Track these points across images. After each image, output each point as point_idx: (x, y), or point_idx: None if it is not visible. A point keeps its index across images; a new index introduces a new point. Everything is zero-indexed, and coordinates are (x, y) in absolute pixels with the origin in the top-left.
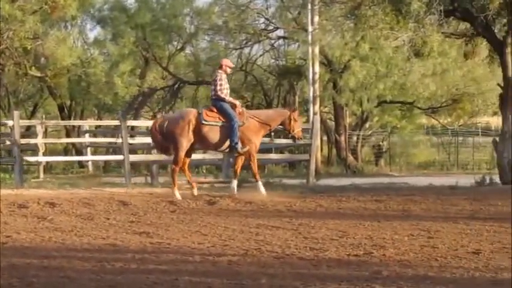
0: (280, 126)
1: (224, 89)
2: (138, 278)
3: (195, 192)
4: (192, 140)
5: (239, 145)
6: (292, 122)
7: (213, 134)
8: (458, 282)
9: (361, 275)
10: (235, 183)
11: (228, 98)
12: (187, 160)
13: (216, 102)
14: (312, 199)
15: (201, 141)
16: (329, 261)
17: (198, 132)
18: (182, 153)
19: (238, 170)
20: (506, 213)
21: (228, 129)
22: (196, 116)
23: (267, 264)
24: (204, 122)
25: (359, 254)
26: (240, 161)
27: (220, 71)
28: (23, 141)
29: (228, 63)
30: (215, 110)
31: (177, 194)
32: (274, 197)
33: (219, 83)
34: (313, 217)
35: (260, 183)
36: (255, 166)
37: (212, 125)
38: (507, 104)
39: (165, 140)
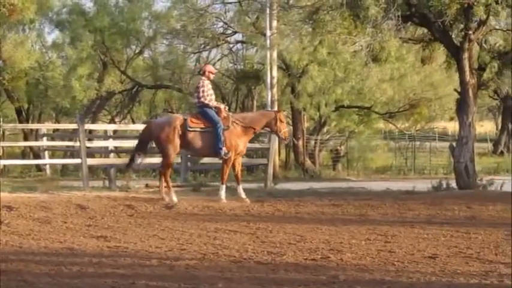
0: (267, 129)
1: (207, 95)
2: (95, 282)
3: (175, 199)
4: (179, 146)
5: (223, 150)
6: (278, 123)
7: (199, 140)
8: (415, 286)
9: (318, 279)
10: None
11: (213, 103)
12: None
13: (200, 108)
14: (270, 203)
15: (187, 147)
16: (286, 265)
17: (184, 138)
18: (170, 159)
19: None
20: (463, 218)
21: (213, 135)
22: (182, 122)
23: (224, 268)
24: (189, 128)
25: (316, 259)
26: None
27: (203, 77)
28: None
29: (210, 69)
30: (200, 117)
31: (174, 197)
32: (232, 202)
33: (201, 89)
34: (270, 221)
35: (224, 187)
36: (227, 169)
37: (197, 131)
38: (464, 109)
39: (148, 142)
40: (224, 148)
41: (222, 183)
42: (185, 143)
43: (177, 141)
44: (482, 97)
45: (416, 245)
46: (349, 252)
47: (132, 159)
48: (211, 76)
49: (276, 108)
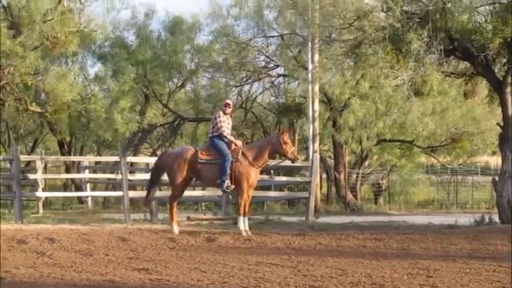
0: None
1: (220, 127)
2: None
3: (176, 230)
4: (187, 177)
5: (226, 183)
6: (283, 145)
7: (207, 171)
8: None
9: None
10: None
11: (230, 138)
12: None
13: (212, 140)
14: (311, 237)
15: (198, 178)
16: None
17: (193, 169)
18: (178, 189)
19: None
20: (506, 253)
21: (219, 166)
22: (193, 153)
23: None
24: (199, 160)
25: None
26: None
27: (220, 111)
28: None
29: (226, 102)
30: (211, 148)
31: (175, 229)
32: (274, 235)
33: (215, 122)
34: (312, 255)
35: (241, 218)
36: (241, 200)
37: (206, 162)
38: (506, 144)
39: (161, 173)
40: (227, 181)
41: (240, 215)
42: (195, 174)
43: (186, 172)
44: None
45: (459, 280)
46: (391, 286)
47: (148, 192)
48: (227, 110)
49: (317, 142)
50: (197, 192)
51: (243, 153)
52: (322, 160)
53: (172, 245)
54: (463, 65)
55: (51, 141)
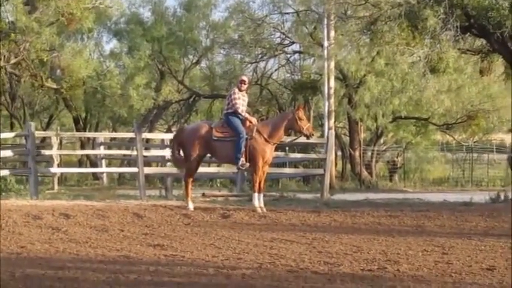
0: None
1: (235, 104)
2: None
3: (191, 206)
4: (201, 153)
5: (240, 161)
6: (298, 122)
7: (222, 148)
8: None
9: None
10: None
11: (245, 115)
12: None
13: (226, 117)
14: (326, 214)
15: (212, 154)
16: (343, 275)
17: (208, 146)
18: (192, 165)
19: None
20: None
21: (234, 144)
22: (208, 130)
23: (281, 277)
24: (214, 137)
25: (373, 269)
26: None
27: (235, 87)
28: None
29: (241, 79)
30: (225, 125)
31: (190, 205)
32: (288, 212)
33: (230, 99)
34: (327, 232)
35: (256, 195)
36: (256, 177)
37: (221, 140)
38: None
39: (179, 149)
40: (242, 159)
41: (254, 192)
42: (209, 150)
43: (200, 149)
44: None
45: (474, 257)
46: (406, 263)
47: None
48: (243, 87)
49: (333, 119)
50: (212, 169)
51: (257, 130)
52: (338, 137)
53: (187, 221)
54: (479, 42)
55: (66, 117)
